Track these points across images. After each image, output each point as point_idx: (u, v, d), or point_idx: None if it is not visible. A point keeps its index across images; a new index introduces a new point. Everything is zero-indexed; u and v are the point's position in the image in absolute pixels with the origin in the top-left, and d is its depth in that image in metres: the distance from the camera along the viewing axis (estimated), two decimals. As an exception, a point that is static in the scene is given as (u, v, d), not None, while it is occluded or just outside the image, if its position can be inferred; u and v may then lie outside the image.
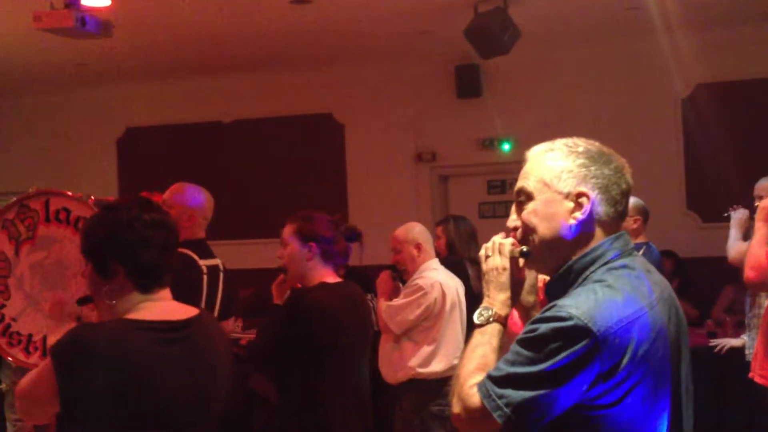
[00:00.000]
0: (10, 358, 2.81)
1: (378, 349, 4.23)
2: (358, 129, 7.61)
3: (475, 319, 1.71)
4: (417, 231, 4.31)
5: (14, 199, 2.91)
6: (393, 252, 4.33)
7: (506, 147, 7.11)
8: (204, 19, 5.75)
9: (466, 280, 4.48)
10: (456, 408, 1.61)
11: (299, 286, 3.21)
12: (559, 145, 1.65)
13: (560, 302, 1.52)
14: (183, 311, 2.03)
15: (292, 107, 7.67)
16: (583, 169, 1.60)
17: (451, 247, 4.88)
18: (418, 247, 4.23)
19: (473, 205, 7.36)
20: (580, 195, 1.59)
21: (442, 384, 4.07)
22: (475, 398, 1.55)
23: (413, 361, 4.07)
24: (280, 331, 3.11)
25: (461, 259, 4.74)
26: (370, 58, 7.20)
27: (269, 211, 7.37)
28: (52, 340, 2.59)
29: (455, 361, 4.16)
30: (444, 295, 4.11)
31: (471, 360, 1.65)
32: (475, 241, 4.91)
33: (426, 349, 4.08)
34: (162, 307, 1.99)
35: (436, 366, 4.08)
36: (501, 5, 5.36)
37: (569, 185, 1.60)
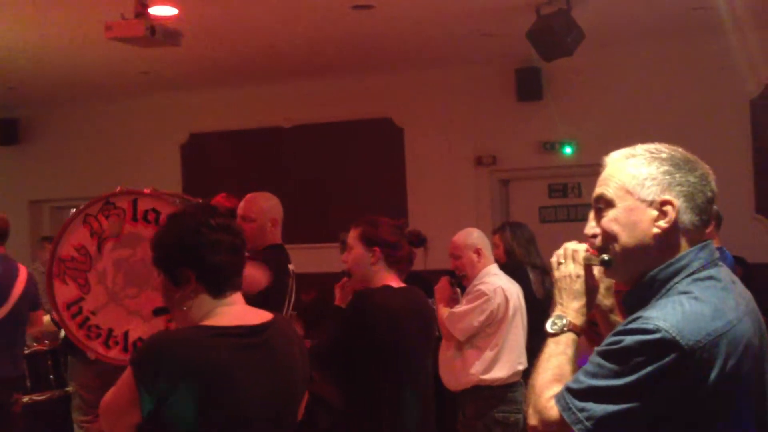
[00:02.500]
0: (89, 352, 2.83)
1: (438, 355, 4.21)
2: (418, 133, 7.60)
3: (549, 328, 1.67)
4: (476, 236, 4.28)
5: (99, 195, 2.96)
6: (452, 258, 4.31)
7: (568, 150, 7.01)
8: (266, 26, 5.82)
9: (526, 285, 4.44)
10: (532, 420, 1.58)
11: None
12: (641, 150, 1.61)
13: (646, 314, 1.47)
14: (257, 316, 2.05)
15: (352, 112, 7.72)
16: (668, 177, 1.56)
17: (509, 254, 4.82)
18: (478, 252, 4.20)
19: (533, 209, 7.28)
20: (664, 203, 1.55)
21: (505, 390, 4.04)
22: (553, 411, 1.52)
23: (476, 368, 4.04)
24: (342, 332, 3.12)
25: (521, 264, 4.70)
26: (430, 62, 7.19)
27: (328, 215, 7.43)
28: (133, 336, 2.65)
29: (519, 367, 4.12)
30: (507, 300, 4.07)
31: (546, 370, 1.61)
32: (534, 246, 4.86)
33: (488, 355, 4.05)
34: (236, 312, 2.00)
35: (499, 372, 4.04)
36: (564, 6, 5.29)
37: (653, 193, 1.56)
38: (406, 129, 7.65)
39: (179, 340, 1.91)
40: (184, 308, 1.99)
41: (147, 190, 2.95)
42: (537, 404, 1.56)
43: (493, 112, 7.32)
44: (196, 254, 1.96)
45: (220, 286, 1.99)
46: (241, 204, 3.73)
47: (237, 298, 2.03)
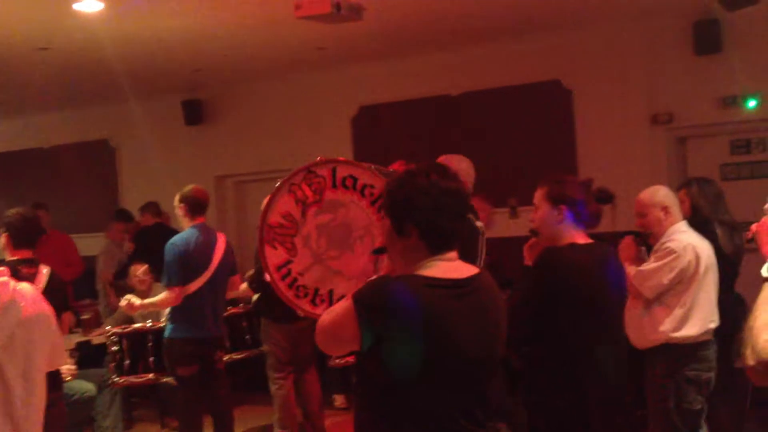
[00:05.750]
0: (298, 310, 3.02)
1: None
2: (588, 94, 7.44)
3: (764, 272, 1.69)
4: (663, 194, 4.20)
5: (301, 166, 3.11)
6: (637, 216, 4.25)
7: (752, 104, 6.66)
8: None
9: (714, 241, 4.32)
10: (750, 360, 1.60)
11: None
12: None
13: None
14: (467, 270, 2.16)
15: (519, 76, 7.66)
16: None
17: (695, 210, 4.69)
18: (665, 209, 4.13)
19: (714, 167, 6.97)
20: None
21: (696, 348, 3.96)
22: None
23: (665, 326, 3.98)
24: (533, 290, 3.19)
25: (709, 219, 4.57)
26: (599, 20, 7.01)
27: (499, 181, 7.45)
28: (337, 294, 2.84)
29: (710, 325, 4.03)
30: (698, 257, 3.98)
31: (764, 312, 1.62)
32: (722, 201, 4.71)
33: (678, 313, 3.98)
34: (449, 266, 2.12)
35: (690, 330, 3.97)
36: (750, -48, 5.03)
37: None
38: (576, 91, 7.50)
39: (399, 285, 2.04)
40: (403, 257, 2.13)
41: (343, 159, 3.10)
42: (755, 345, 1.58)
43: (668, 69, 7.04)
44: (421, 215, 2.08)
45: (440, 245, 2.11)
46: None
47: (453, 254, 2.15)
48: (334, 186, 2.96)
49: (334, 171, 2.97)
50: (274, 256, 3.03)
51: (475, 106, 7.91)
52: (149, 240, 7.23)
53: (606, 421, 3.07)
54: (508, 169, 7.55)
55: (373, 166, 3.20)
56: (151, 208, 8.22)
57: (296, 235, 3.00)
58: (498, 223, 6.88)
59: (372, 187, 2.83)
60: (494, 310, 2.18)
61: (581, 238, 3.23)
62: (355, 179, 2.93)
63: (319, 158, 3.05)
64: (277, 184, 3.10)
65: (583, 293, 3.06)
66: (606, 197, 4.16)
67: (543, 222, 3.28)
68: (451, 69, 7.96)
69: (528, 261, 3.42)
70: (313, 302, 2.97)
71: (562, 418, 3.08)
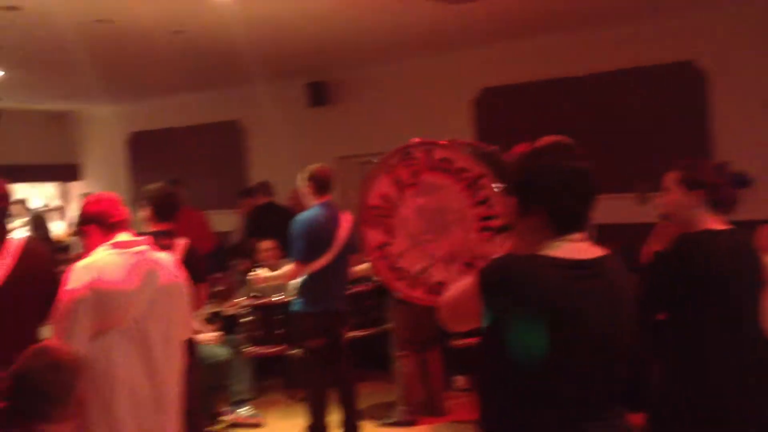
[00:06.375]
0: (397, 291, 3.00)
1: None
2: (724, 76, 7.12)
3: None
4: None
5: (398, 147, 3.06)
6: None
7: None
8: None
9: None
10: None
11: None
12: None
13: None
14: (594, 251, 2.12)
15: (648, 57, 7.41)
16: None
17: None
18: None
19: None
20: None
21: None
22: None
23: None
24: (665, 278, 3.12)
25: None
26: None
27: (623, 166, 7.26)
28: (434, 279, 2.84)
29: None
30: None
31: None
32: None
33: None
34: (575, 246, 2.08)
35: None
36: None
37: None
38: (711, 72, 7.20)
39: (524, 264, 2.03)
40: (527, 236, 2.10)
41: (441, 142, 3.05)
42: None
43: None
44: (548, 195, 2.06)
45: (566, 226, 2.08)
46: None
47: (580, 236, 2.10)
48: (430, 168, 2.92)
49: (429, 153, 2.93)
50: (374, 236, 3.01)
51: (602, 88, 7.72)
52: (260, 218, 7.46)
53: (741, 412, 2.97)
54: (635, 152, 7.35)
55: (470, 149, 3.15)
56: (263, 188, 8.51)
57: (394, 217, 2.97)
58: (623, 209, 6.73)
59: (467, 170, 2.78)
60: (621, 293, 2.13)
61: (717, 224, 3.13)
62: (450, 162, 2.88)
63: (415, 139, 3.02)
64: (373, 165, 3.10)
65: (718, 281, 2.97)
66: (743, 181, 4.01)
67: (676, 207, 3.19)
68: (577, 49, 7.80)
69: (658, 246, 3.34)
70: (411, 285, 2.95)
71: (690, 408, 3.01)
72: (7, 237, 3.79)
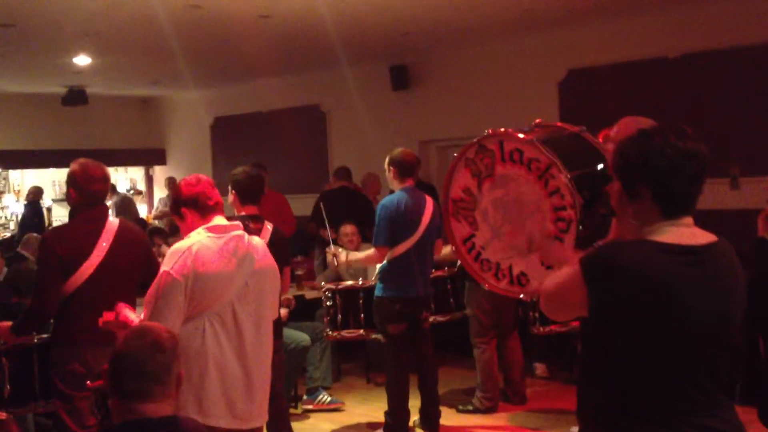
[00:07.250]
0: (484, 283, 3.00)
1: None
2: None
3: None
4: None
5: (473, 140, 3.06)
6: None
7: None
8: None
9: None
10: None
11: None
12: None
13: None
14: (703, 236, 2.05)
15: (744, 37, 7.10)
16: None
17: None
18: None
19: None
20: None
21: None
22: None
23: None
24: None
25: None
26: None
27: (718, 150, 6.98)
28: (517, 270, 2.82)
29: None
30: None
31: None
32: None
33: None
34: (684, 231, 2.02)
35: None
36: None
37: None
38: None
39: (631, 250, 1.99)
40: (634, 221, 2.05)
41: (510, 130, 3.00)
42: None
43: None
44: (656, 176, 2.00)
45: (675, 209, 2.02)
46: (615, 127, 3.63)
47: (688, 220, 2.04)
48: (503, 160, 2.91)
49: (501, 144, 2.91)
50: (459, 228, 3.06)
51: (695, 70, 7.44)
52: (331, 202, 7.49)
53: None
54: (729, 136, 7.07)
55: (554, 129, 3.07)
56: (340, 172, 8.55)
57: (475, 210, 3.00)
58: (715, 194, 6.50)
59: (537, 161, 2.75)
60: (732, 281, 2.06)
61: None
62: (521, 152, 2.85)
63: (487, 131, 3.01)
64: (453, 158, 3.10)
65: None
66: None
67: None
68: (669, 30, 7.53)
69: (762, 232, 3.20)
70: (496, 276, 2.96)
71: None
72: (108, 218, 3.94)
